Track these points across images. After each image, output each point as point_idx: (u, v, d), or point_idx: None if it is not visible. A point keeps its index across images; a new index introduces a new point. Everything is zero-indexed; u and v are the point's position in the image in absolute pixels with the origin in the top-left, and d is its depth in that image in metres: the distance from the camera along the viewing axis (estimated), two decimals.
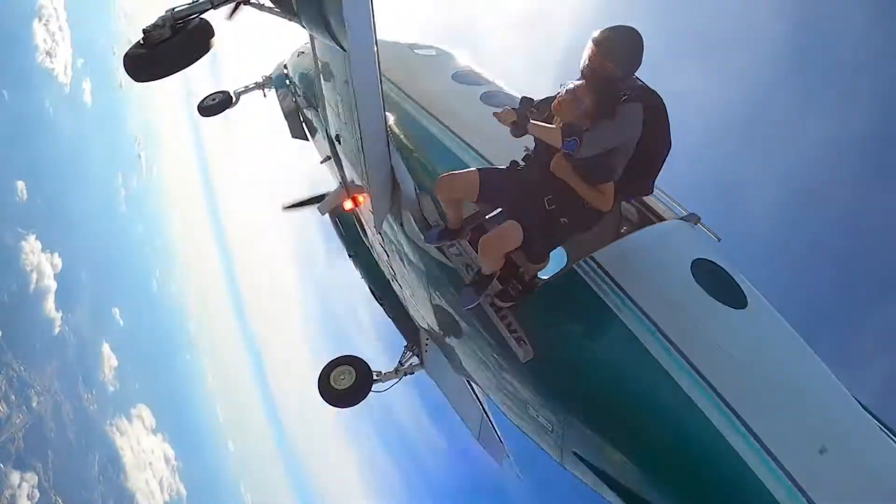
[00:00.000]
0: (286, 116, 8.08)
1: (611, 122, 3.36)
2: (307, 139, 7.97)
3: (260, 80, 9.02)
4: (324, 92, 4.86)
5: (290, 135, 8.07)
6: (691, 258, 3.66)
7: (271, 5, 3.75)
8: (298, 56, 7.62)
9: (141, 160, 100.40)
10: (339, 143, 4.78)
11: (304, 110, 7.55)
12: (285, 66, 8.24)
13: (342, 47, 3.06)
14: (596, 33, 3.49)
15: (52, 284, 69.30)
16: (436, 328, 5.48)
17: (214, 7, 3.72)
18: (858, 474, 2.89)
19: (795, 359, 3.32)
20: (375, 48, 3.05)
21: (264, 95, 9.06)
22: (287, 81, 8.02)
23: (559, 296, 3.68)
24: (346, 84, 3.67)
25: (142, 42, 3.70)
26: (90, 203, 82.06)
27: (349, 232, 8.43)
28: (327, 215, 8.95)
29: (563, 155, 3.41)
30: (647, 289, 3.45)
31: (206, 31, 3.71)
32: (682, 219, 4.14)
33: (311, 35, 4.46)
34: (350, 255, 8.49)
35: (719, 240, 4.12)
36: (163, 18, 3.65)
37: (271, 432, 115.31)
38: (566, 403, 3.64)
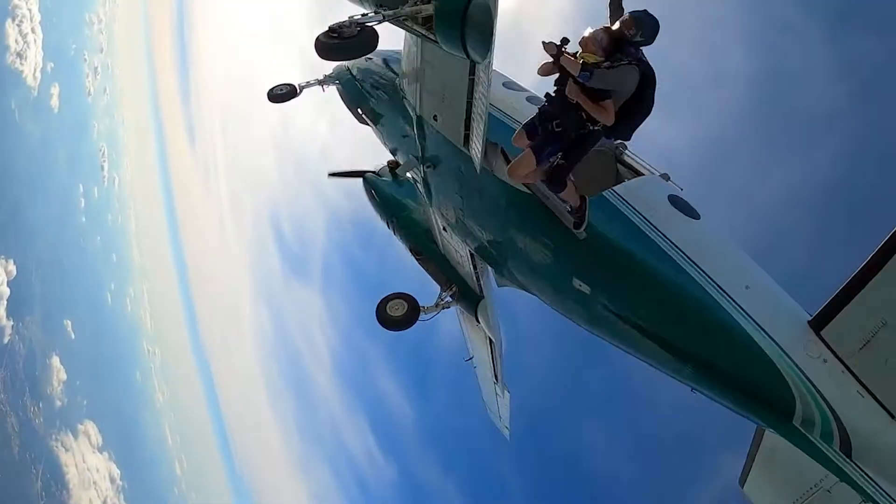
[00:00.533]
0: (350, 106, 10.21)
1: (615, 72, 5.24)
2: (368, 124, 10.13)
3: (321, 77, 10.86)
4: (424, 84, 7.07)
5: (356, 121, 10.24)
6: (667, 194, 6.26)
7: (418, 28, 5.50)
8: (367, 61, 9.77)
9: (104, 171, 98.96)
10: (436, 120, 7.04)
11: (370, 101, 9.72)
12: (348, 68, 10.34)
13: (472, 59, 5.22)
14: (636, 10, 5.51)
15: (5, 291, 67.32)
16: (498, 245, 7.69)
17: (384, 20, 5.62)
18: (766, 298, 5.45)
19: (727, 242, 5.98)
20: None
21: (323, 90, 10.95)
22: (352, 79, 10.13)
23: (595, 208, 6.03)
24: (461, 81, 5.93)
25: (334, 34, 5.18)
26: (49, 211, 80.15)
27: (386, 203, 10.52)
28: (364, 192, 11.05)
29: (574, 81, 5.26)
30: (644, 206, 5.97)
31: (376, 36, 5.41)
32: (660, 175, 6.79)
33: (420, 42, 6.52)
34: (388, 223, 10.53)
35: (682, 189, 6.63)
36: (349, 22, 5.24)
37: (221, 458, 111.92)
38: (603, 269, 6.04)
